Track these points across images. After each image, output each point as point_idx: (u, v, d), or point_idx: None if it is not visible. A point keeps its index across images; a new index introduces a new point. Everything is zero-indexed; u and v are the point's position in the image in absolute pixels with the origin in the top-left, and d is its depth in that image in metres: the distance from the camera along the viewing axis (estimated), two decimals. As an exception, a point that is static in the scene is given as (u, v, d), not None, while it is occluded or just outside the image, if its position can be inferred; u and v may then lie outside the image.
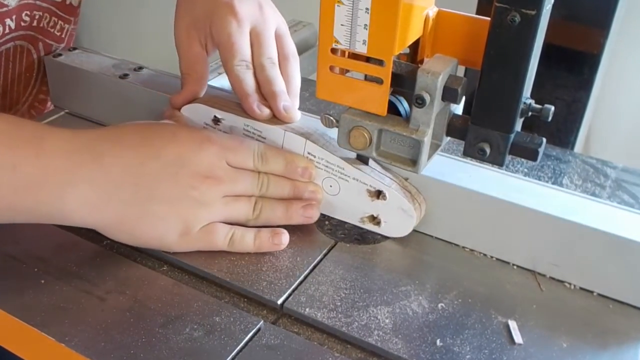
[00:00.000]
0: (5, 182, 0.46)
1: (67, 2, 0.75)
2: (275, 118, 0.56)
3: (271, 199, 0.53)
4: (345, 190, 0.54)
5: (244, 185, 0.52)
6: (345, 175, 0.53)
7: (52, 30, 0.75)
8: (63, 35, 0.77)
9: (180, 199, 0.49)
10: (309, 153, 0.54)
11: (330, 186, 0.54)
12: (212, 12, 0.58)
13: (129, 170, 0.49)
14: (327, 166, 0.54)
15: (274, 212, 0.53)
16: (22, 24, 0.71)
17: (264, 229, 0.52)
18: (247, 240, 0.51)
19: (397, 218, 0.53)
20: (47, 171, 0.47)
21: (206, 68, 0.60)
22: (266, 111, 0.55)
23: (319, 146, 0.54)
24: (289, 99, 0.57)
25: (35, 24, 0.72)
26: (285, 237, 0.52)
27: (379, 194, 0.53)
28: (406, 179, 0.54)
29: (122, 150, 0.49)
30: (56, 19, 0.75)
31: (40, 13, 0.72)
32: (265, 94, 0.56)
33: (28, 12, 0.71)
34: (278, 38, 0.60)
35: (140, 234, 0.50)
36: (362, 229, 0.55)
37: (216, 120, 0.57)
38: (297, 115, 0.56)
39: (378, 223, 0.54)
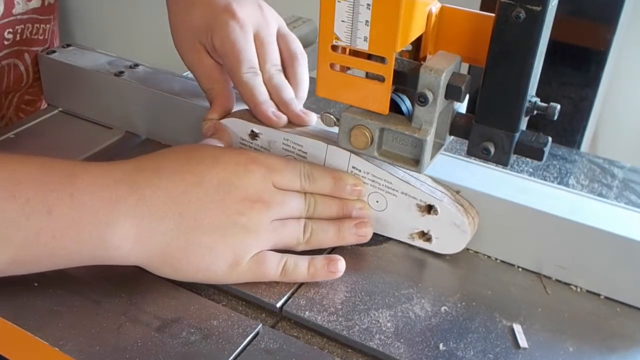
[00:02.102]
0: (43, 228, 0.44)
1: (46, 4, 0.75)
2: (291, 124, 0.55)
3: (320, 220, 0.52)
4: (393, 205, 0.53)
5: (292, 207, 0.50)
6: (393, 189, 0.52)
7: (35, 37, 0.74)
8: (46, 37, 0.77)
9: (227, 227, 0.47)
10: (353, 167, 0.53)
11: (377, 201, 0.53)
12: (211, 20, 0.57)
13: (171, 200, 0.47)
14: (373, 181, 0.52)
15: (326, 234, 0.51)
16: (6, 42, 0.71)
17: (317, 257, 0.50)
18: (301, 269, 0.49)
19: (450, 234, 0.52)
20: (84, 211, 0.45)
21: (226, 76, 0.59)
22: (283, 118, 0.54)
23: (364, 159, 0.52)
24: (300, 104, 0.56)
25: (18, 38, 0.72)
26: (341, 264, 0.50)
27: (429, 209, 0.51)
28: (457, 192, 0.52)
29: (162, 180, 0.47)
30: (38, 25, 0.74)
31: (22, 26, 0.72)
32: (276, 102, 0.55)
33: (10, 30, 0.70)
34: (282, 37, 0.60)
35: (187, 267, 0.48)
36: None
37: (254, 135, 0.56)
38: (313, 117, 0.56)
39: (429, 239, 0.53)
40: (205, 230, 0.47)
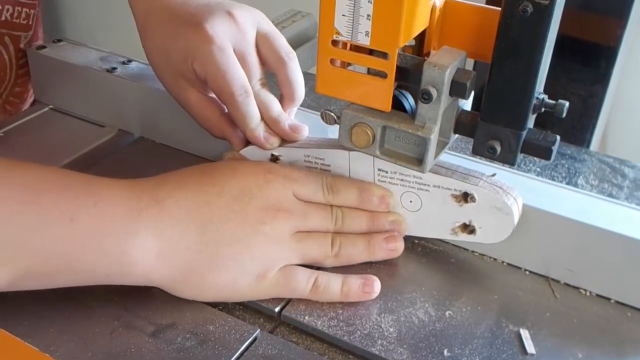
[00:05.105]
0: (64, 237, 0.44)
1: None
2: (284, 141, 0.55)
3: (350, 234, 0.52)
4: (428, 201, 0.52)
5: (316, 219, 0.50)
6: (424, 184, 0.51)
7: (17, 20, 0.74)
8: (30, 23, 0.76)
9: (250, 237, 0.48)
10: (379, 170, 0.52)
11: (411, 201, 0.53)
12: (187, 49, 0.55)
13: (193, 212, 0.47)
14: (402, 180, 0.52)
15: (356, 248, 0.51)
16: None
17: (352, 276, 0.50)
18: (334, 288, 0.49)
19: (493, 219, 0.50)
20: (107, 221, 0.45)
21: (217, 108, 0.58)
22: (275, 142, 0.55)
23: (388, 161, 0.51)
24: (290, 117, 0.56)
25: None
26: (377, 285, 0.50)
27: (466, 197, 0.50)
28: (493, 175, 0.51)
29: (183, 192, 0.48)
30: (20, 8, 0.74)
31: (0, 7, 0.71)
32: (266, 120, 0.55)
33: None
34: (264, 39, 0.57)
35: (211, 283, 0.47)
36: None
37: (274, 159, 0.56)
38: (305, 130, 0.55)
39: (472, 231, 0.52)
40: (229, 241, 0.47)
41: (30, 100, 0.83)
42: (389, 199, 0.53)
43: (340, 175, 0.54)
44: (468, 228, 0.52)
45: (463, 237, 0.53)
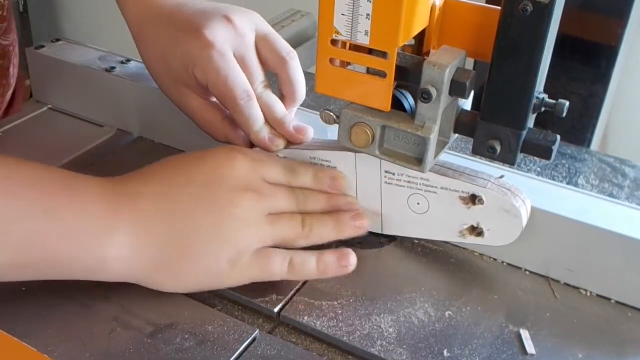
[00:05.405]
0: (40, 231, 0.45)
1: None
2: (289, 143, 0.56)
3: (317, 214, 0.52)
4: (436, 204, 0.52)
5: (282, 201, 0.51)
6: (432, 186, 0.51)
7: None
8: (5, 14, 0.76)
9: (222, 220, 0.48)
10: (386, 172, 0.52)
11: (418, 204, 0.53)
12: (187, 56, 0.55)
13: (163, 204, 0.48)
14: (409, 182, 0.52)
15: (326, 227, 0.51)
16: None
17: (326, 251, 0.50)
18: (310, 265, 0.49)
19: (501, 222, 0.50)
20: (83, 217, 0.46)
21: (219, 111, 0.58)
22: (280, 144, 0.55)
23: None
24: (294, 119, 0.56)
25: None
26: (353, 258, 0.50)
27: (474, 199, 0.50)
28: (501, 177, 0.51)
29: (153, 186, 0.49)
30: None
31: None
32: (270, 122, 0.56)
33: None
34: (264, 41, 0.57)
35: (188, 273, 0.48)
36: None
37: None
38: (310, 131, 0.56)
39: (480, 233, 0.51)
40: (201, 229, 0.48)
41: (9, 94, 0.83)
42: (341, 181, 0.53)
43: (300, 161, 0.54)
44: (476, 230, 0.52)
45: (471, 240, 0.52)
